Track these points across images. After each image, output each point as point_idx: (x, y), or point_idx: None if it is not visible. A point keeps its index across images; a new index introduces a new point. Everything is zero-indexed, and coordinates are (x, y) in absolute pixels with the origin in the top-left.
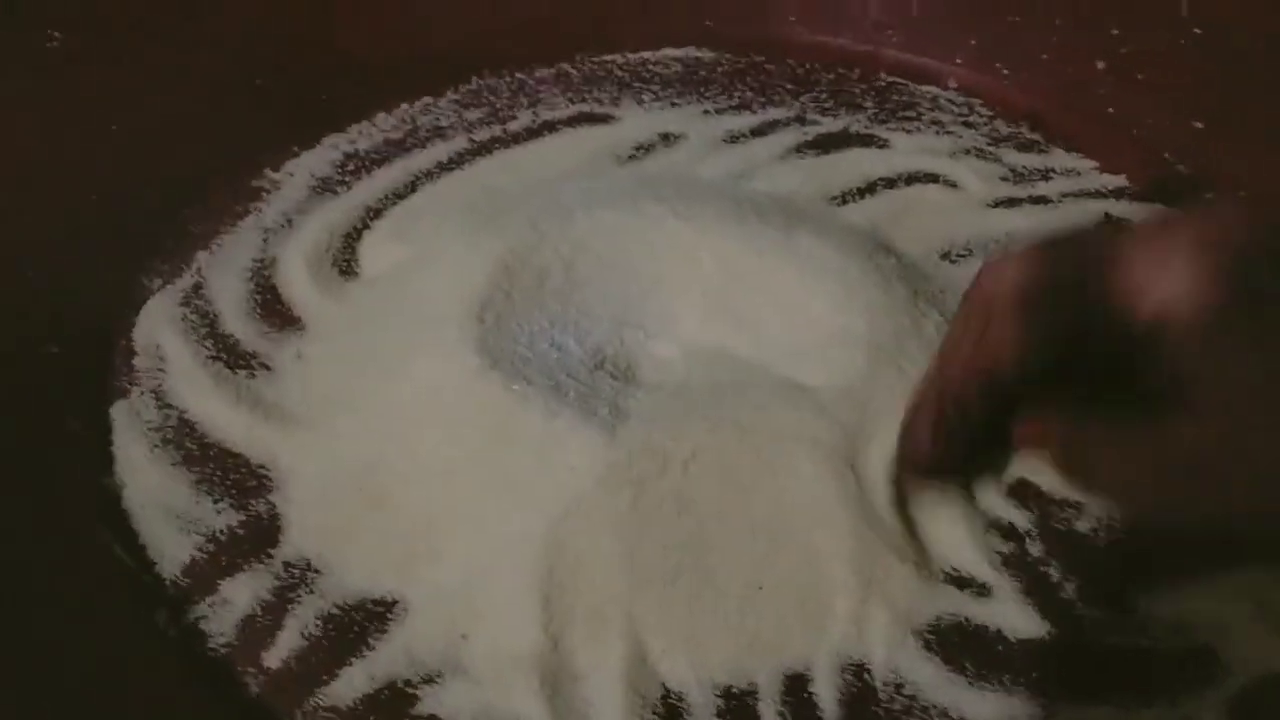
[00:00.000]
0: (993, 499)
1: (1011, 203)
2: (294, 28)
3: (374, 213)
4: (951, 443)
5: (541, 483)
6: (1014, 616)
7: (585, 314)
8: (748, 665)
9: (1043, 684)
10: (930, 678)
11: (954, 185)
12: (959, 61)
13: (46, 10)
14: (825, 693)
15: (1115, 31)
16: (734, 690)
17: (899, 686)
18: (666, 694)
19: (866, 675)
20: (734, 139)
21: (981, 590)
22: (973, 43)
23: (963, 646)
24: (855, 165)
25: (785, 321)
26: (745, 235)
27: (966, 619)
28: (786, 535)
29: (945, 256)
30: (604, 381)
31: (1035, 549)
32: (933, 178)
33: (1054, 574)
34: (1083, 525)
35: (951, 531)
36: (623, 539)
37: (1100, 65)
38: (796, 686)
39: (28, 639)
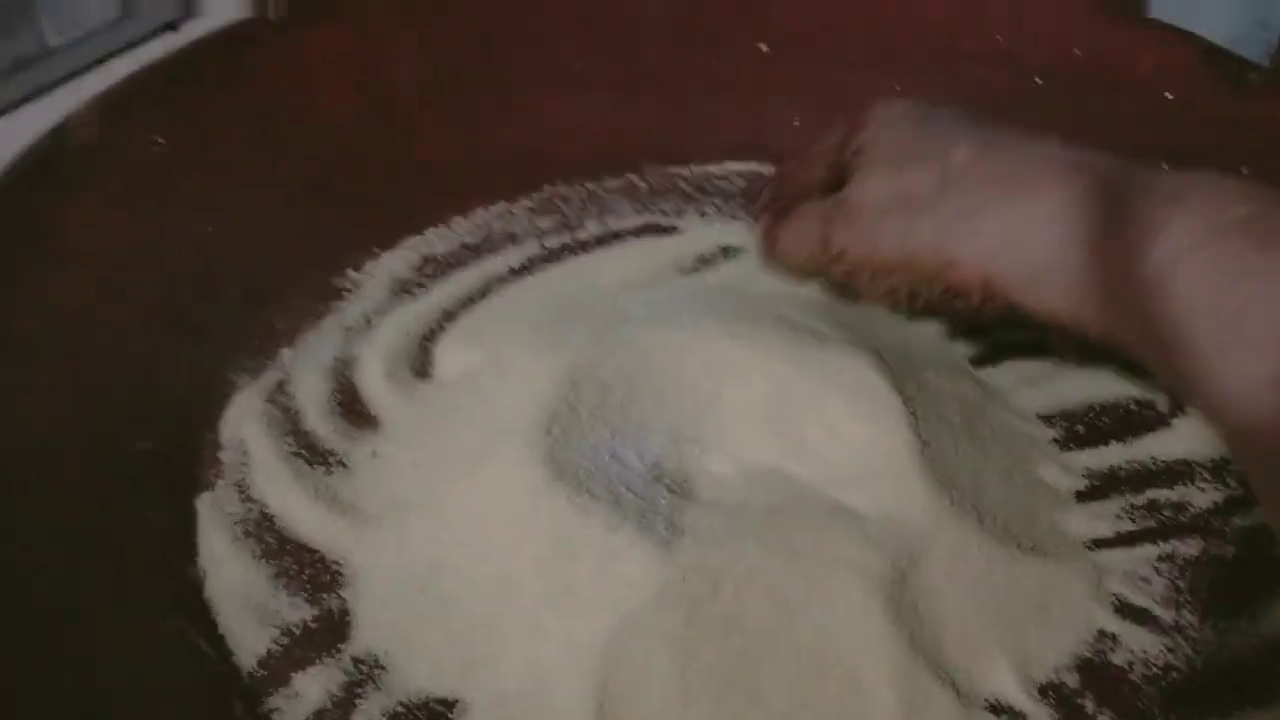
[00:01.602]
0: (1031, 633)
1: None
2: (376, 136)
3: (449, 315)
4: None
5: (600, 595)
6: None
7: (645, 427)
8: None
9: None
10: None
11: None
12: None
13: (156, 118)
14: None
15: (1164, 165)
16: None
17: None
18: None
19: None
20: None
21: (1018, 719)
22: None
23: None
24: None
25: (835, 445)
26: (798, 359)
27: None
28: (832, 659)
29: (1033, 383)
30: (661, 495)
31: (1071, 680)
32: None
33: (1089, 706)
34: (1118, 658)
35: (991, 660)
36: (675, 655)
37: None
38: None
39: None
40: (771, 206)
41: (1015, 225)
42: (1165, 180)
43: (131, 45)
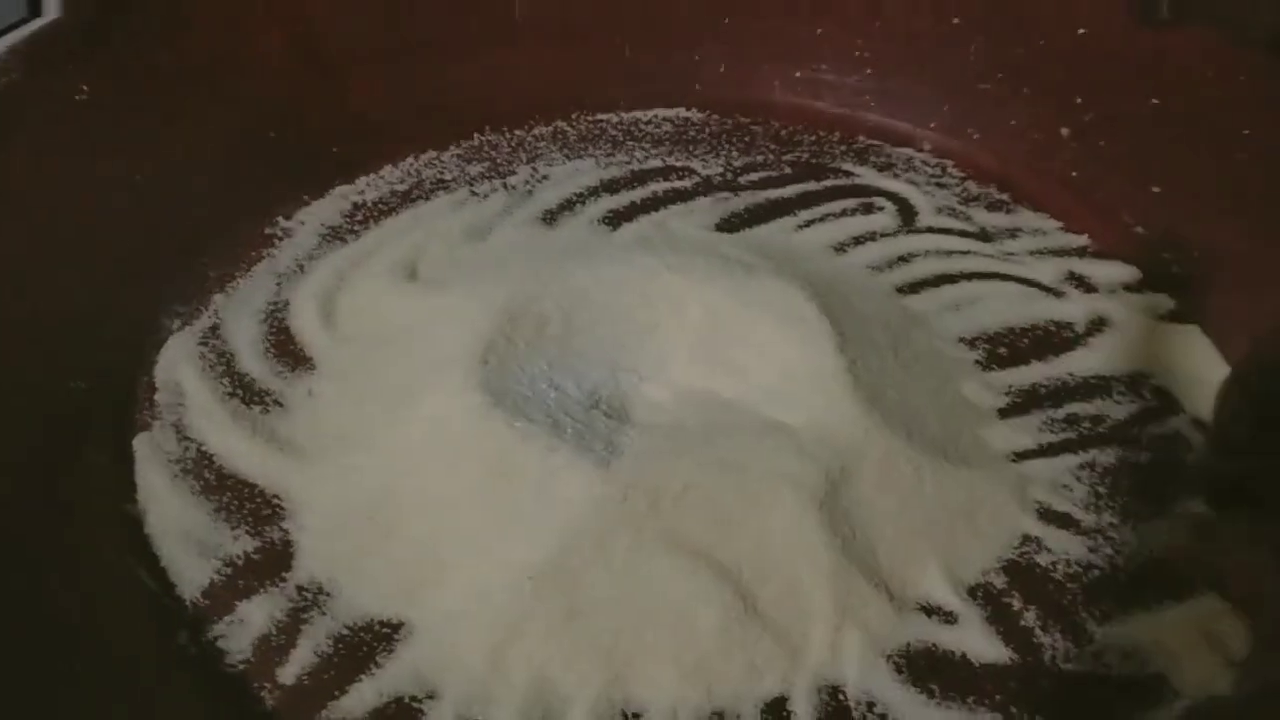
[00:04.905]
0: (959, 538)
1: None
2: (306, 85)
3: (381, 260)
4: None
5: (540, 515)
6: (978, 643)
7: (582, 358)
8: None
9: (1004, 705)
10: (899, 698)
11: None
12: (933, 126)
13: (78, 66)
14: (802, 711)
15: (1079, 100)
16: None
17: (870, 705)
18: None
19: (841, 696)
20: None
21: (949, 618)
22: (945, 109)
23: (930, 670)
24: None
25: (767, 367)
26: (730, 288)
27: (934, 645)
28: (770, 567)
29: (955, 309)
30: (599, 420)
31: (999, 581)
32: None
33: (1015, 604)
34: (1043, 560)
35: (922, 565)
36: (618, 569)
37: (1064, 132)
38: (776, 706)
39: (55, 658)
40: None
41: None
42: None
43: None
